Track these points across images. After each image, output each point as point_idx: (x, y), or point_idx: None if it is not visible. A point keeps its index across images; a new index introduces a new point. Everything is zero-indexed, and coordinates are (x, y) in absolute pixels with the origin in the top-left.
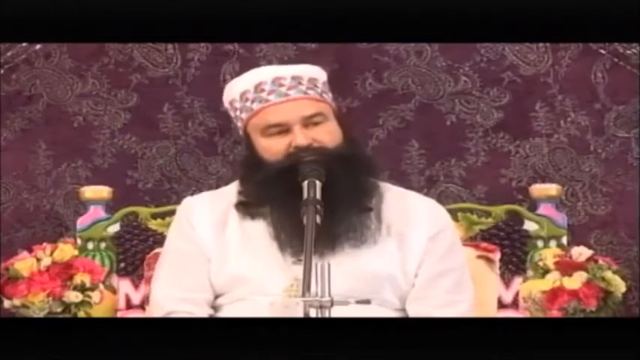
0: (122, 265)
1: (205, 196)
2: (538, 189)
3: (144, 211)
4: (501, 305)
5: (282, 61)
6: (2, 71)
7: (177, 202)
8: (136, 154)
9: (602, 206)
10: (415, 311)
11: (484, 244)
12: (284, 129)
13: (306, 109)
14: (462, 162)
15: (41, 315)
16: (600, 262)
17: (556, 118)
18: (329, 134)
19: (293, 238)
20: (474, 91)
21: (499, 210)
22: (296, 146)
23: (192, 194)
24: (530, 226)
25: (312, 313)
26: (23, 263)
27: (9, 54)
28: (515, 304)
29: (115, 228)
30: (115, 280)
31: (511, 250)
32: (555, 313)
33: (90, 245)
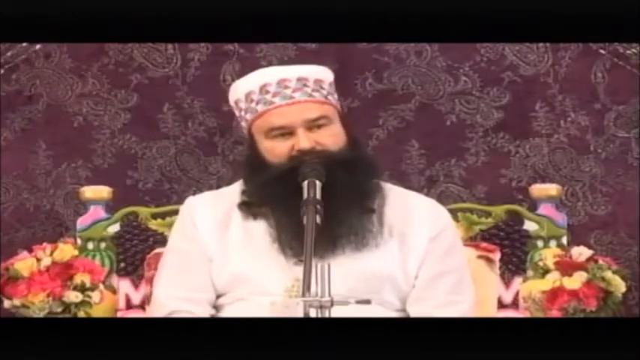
0: (122, 265)
1: (208, 195)
2: (538, 189)
3: (144, 211)
4: (501, 305)
5: (282, 61)
6: (2, 71)
7: (178, 202)
8: (136, 154)
9: (602, 206)
10: (416, 312)
11: (484, 244)
12: (287, 131)
13: (311, 112)
14: (462, 162)
15: (41, 315)
16: (600, 262)
17: (556, 118)
18: (332, 137)
19: (294, 239)
20: (474, 91)
21: (499, 210)
22: (299, 149)
23: (192, 194)
24: (530, 226)
25: (312, 313)
26: (23, 263)
27: (9, 54)
28: (515, 304)
29: (115, 228)
30: (115, 280)
31: (511, 250)
32: (555, 313)
33: (90, 245)
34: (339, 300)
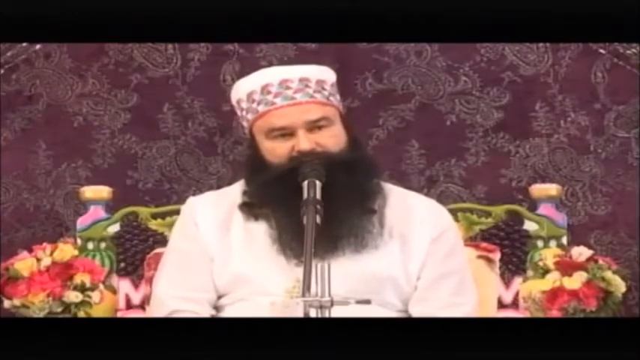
0: (122, 265)
1: (210, 195)
2: (538, 189)
3: (144, 211)
4: (501, 305)
5: (282, 61)
6: (2, 71)
7: (178, 202)
8: (136, 154)
9: (602, 206)
10: (418, 313)
11: (484, 244)
12: (288, 132)
13: (312, 113)
14: (462, 162)
15: (41, 315)
16: (600, 262)
17: (556, 118)
18: (333, 138)
19: (294, 239)
20: (474, 91)
21: (499, 210)
22: (299, 150)
23: (192, 194)
24: (530, 226)
25: (312, 313)
26: (23, 263)
27: (9, 54)
28: (515, 304)
29: (115, 228)
30: (115, 280)
31: (511, 250)
32: (555, 313)
33: (90, 245)
34: (339, 300)
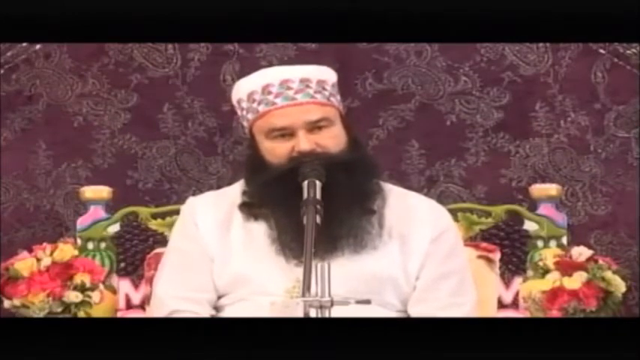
0: (122, 265)
1: (210, 195)
2: (538, 189)
3: (144, 211)
4: (501, 305)
5: (282, 61)
6: (2, 71)
7: (178, 202)
8: (136, 154)
9: (602, 206)
10: (418, 313)
11: (484, 244)
12: (288, 132)
13: (312, 114)
14: (462, 162)
15: (41, 315)
16: (600, 262)
17: (556, 118)
18: (333, 139)
19: (293, 239)
20: (474, 91)
21: (499, 210)
22: (299, 151)
23: (192, 194)
24: (530, 226)
25: (312, 313)
26: (23, 263)
27: (9, 54)
28: (515, 304)
29: (115, 228)
30: (115, 280)
31: (511, 250)
32: (555, 313)
33: (90, 245)
34: (339, 300)
